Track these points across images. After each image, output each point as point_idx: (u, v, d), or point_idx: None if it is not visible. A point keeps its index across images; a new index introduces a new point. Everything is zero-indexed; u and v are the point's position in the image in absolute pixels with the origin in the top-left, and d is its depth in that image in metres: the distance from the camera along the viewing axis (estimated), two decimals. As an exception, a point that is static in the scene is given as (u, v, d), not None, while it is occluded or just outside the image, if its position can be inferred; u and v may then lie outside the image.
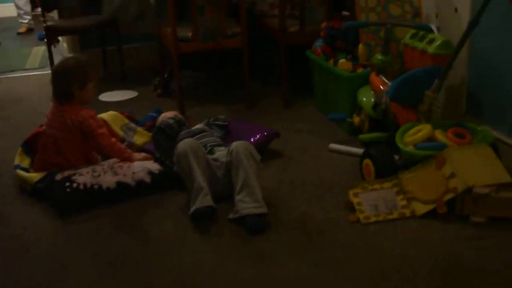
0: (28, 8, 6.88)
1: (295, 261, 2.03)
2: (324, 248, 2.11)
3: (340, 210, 2.34)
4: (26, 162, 2.82)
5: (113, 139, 2.73)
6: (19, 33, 6.96)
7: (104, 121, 2.96)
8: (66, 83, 2.69)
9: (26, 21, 7.01)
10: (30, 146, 2.89)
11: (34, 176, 2.65)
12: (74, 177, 2.52)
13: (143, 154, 2.77)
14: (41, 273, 2.04)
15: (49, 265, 2.09)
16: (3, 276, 2.03)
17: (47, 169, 2.67)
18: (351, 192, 2.35)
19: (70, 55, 2.89)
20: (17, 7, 7.01)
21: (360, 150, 2.69)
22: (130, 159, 2.68)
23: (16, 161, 2.82)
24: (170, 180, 2.59)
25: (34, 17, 6.74)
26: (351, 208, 2.30)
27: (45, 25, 4.29)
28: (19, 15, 7.06)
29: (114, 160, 2.71)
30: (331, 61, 3.19)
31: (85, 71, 2.73)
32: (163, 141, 2.74)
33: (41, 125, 2.91)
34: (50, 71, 4.32)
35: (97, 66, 2.90)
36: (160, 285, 1.94)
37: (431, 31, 2.75)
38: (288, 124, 3.27)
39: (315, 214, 2.33)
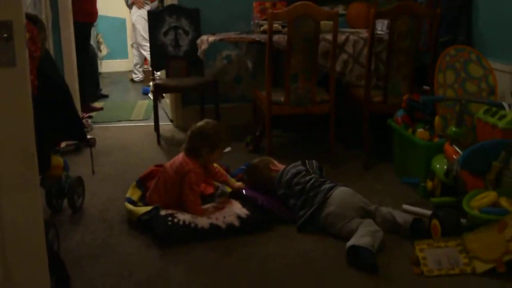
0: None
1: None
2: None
3: (406, 263, 2.56)
4: (136, 196, 3.23)
5: (198, 200, 3.03)
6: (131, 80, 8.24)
7: None
8: (199, 143, 3.08)
9: (136, 75, 8.03)
10: (143, 182, 3.32)
11: (141, 209, 3.03)
12: (176, 214, 2.89)
13: (210, 210, 3.04)
14: (142, 292, 2.38)
15: (149, 288, 2.43)
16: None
17: (152, 203, 3.06)
18: (417, 247, 2.58)
19: (209, 120, 3.26)
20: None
21: (429, 212, 2.91)
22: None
23: (128, 194, 3.23)
24: (257, 224, 2.92)
25: (145, 72, 7.65)
26: (416, 262, 2.53)
27: (153, 82, 4.79)
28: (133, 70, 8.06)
29: (209, 206, 3.07)
30: (410, 130, 3.45)
31: (218, 138, 3.11)
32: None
33: (156, 165, 3.34)
34: (153, 123, 4.82)
35: (228, 136, 3.25)
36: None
37: (502, 107, 2.98)
38: (367, 184, 3.52)
39: (384, 264, 2.56)
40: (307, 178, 3.05)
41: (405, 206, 3.13)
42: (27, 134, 1.75)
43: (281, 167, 3.25)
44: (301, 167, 3.16)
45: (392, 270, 2.52)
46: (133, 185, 3.32)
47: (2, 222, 1.78)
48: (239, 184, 3.31)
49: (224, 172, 3.36)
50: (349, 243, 2.58)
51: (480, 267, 2.44)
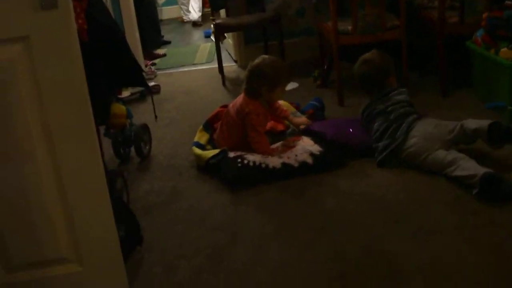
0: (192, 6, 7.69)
1: (448, 236, 2.12)
2: (478, 227, 2.16)
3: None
4: (204, 139, 3.13)
5: (264, 140, 2.90)
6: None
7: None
8: (258, 82, 2.91)
9: (188, 16, 7.91)
10: (210, 124, 3.21)
11: (208, 153, 2.93)
12: (245, 156, 2.77)
13: (280, 149, 2.90)
14: (215, 239, 2.29)
15: (220, 233, 2.33)
16: (185, 242, 2.30)
17: (220, 145, 2.96)
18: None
19: (265, 56, 3.07)
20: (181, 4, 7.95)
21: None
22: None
23: (196, 138, 3.14)
24: (331, 161, 2.77)
25: (203, 16, 7.52)
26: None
27: (214, 23, 4.64)
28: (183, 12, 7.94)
29: (280, 148, 2.92)
30: (493, 51, 3.18)
31: (277, 75, 2.91)
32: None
33: (222, 106, 3.23)
34: (217, 65, 4.71)
35: (288, 72, 3.03)
36: (318, 255, 2.12)
37: None
38: (446, 112, 3.28)
39: (471, 197, 2.37)
40: (398, 106, 2.86)
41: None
42: (77, 80, 1.64)
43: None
44: (403, 96, 2.95)
45: (487, 200, 2.33)
46: (200, 128, 3.22)
47: (61, 173, 1.70)
48: (302, 119, 3.14)
49: (287, 109, 3.21)
50: (482, 172, 2.35)
51: None
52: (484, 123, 2.57)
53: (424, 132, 2.69)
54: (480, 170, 2.37)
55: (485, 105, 3.17)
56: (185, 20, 8.29)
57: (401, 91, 2.97)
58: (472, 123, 2.63)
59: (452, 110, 3.33)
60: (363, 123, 2.99)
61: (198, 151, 3.00)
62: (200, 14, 8.08)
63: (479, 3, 3.56)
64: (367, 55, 3.10)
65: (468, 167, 2.45)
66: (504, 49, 3.08)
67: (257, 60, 2.98)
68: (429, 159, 2.60)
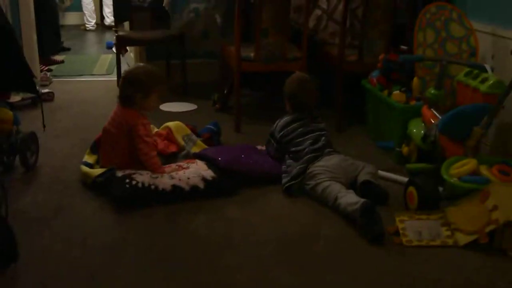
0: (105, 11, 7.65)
1: (332, 272, 2.14)
2: (364, 261, 2.20)
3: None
4: (92, 159, 3.00)
5: (154, 152, 2.83)
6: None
7: (169, 128, 3.14)
8: (131, 89, 2.83)
9: (90, 25, 7.75)
10: (97, 146, 3.06)
11: (96, 171, 2.82)
12: (134, 176, 2.67)
13: (172, 167, 2.87)
14: (96, 261, 2.18)
15: (104, 255, 2.22)
16: (62, 262, 2.17)
17: (106, 166, 2.84)
18: (397, 219, 2.44)
19: (140, 64, 3.02)
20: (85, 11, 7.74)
21: (405, 179, 2.76)
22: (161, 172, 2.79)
23: (84, 158, 3.01)
24: (222, 187, 2.74)
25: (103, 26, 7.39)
26: (395, 232, 2.38)
27: (116, 34, 4.53)
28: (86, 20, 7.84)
29: (173, 166, 2.86)
30: (386, 92, 3.29)
31: (151, 82, 2.85)
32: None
33: None
34: (116, 78, 4.58)
35: (163, 79, 3.00)
36: (204, 283, 2.06)
37: (484, 70, 2.82)
38: (339, 148, 3.34)
39: (358, 232, 2.41)
40: (321, 135, 2.95)
41: (380, 172, 2.97)
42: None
43: None
44: (323, 125, 3.05)
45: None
46: (87, 150, 3.09)
47: None
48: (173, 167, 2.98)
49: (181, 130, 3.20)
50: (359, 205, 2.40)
51: (462, 239, 2.31)
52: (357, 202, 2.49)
53: (332, 163, 2.75)
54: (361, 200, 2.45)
55: (377, 144, 3.27)
56: (87, 28, 8.11)
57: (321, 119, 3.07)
58: (363, 176, 2.73)
59: (344, 146, 3.39)
60: (276, 140, 3.01)
61: (85, 169, 2.88)
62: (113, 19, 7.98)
63: (377, 44, 3.68)
64: (301, 74, 3.17)
65: (352, 197, 2.51)
66: (396, 92, 3.19)
67: (131, 67, 2.96)
68: (324, 185, 2.65)
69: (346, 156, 2.90)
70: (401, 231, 2.37)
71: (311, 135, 2.92)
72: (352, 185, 2.73)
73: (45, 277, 2.07)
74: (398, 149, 3.10)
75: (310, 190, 2.71)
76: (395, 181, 2.90)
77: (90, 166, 2.94)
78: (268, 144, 3.10)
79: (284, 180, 2.80)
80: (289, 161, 2.87)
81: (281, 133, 2.99)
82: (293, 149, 2.90)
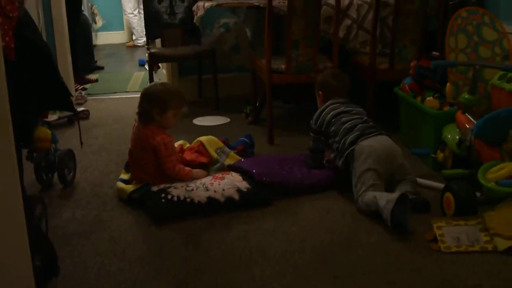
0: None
1: (370, 279, 2.13)
2: (402, 268, 2.19)
3: (420, 239, 2.41)
4: (127, 176, 3.05)
5: (179, 166, 2.87)
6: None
7: (201, 142, 3.16)
8: (148, 105, 2.87)
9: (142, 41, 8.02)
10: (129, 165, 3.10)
11: (130, 187, 2.87)
12: (169, 190, 2.71)
13: (201, 172, 2.95)
14: (135, 273, 2.21)
15: (142, 267, 2.25)
16: (102, 275, 2.21)
17: (140, 182, 2.89)
18: (435, 225, 2.42)
19: (158, 81, 3.08)
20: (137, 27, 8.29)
21: (441, 185, 2.74)
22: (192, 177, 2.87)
23: (120, 175, 3.07)
24: (257, 198, 2.75)
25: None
26: (433, 239, 2.37)
27: (148, 52, 4.60)
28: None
29: (207, 178, 2.89)
30: (419, 98, 3.28)
31: (167, 97, 2.88)
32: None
33: None
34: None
35: (181, 95, 2.99)
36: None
37: (519, 73, 2.80)
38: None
39: (395, 240, 2.41)
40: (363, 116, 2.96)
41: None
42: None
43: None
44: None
45: (410, 245, 2.37)
46: (123, 170, 3.14)
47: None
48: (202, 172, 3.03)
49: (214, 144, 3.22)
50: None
51: (502, 244, 2.27)
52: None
53: (381, 146, 2.75)
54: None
55: (411, 151, 3.25)
56: (137, 45, 8.46)
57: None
58: (405, 186, 2.74)
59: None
60: (317, 131, 3.02)
61: (121, 184, 2.93)
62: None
63: (408, 51, 3.68)
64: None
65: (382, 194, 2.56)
66: (429, 98, 3.17)
67: (149, 85, 3.02)
68: (362, 169, 2.68)
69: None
70: (439, 238, 2.35)
71: (355, 112, 2.95)
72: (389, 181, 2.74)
73: (86, 290, 2.10)
74: (433, 155, 3.07)
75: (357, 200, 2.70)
76: (431, 188, 2.88)
77: (126, 182, 2.98)
78: (312, 143, 3.07)
79: (333, 155, 2.90)
80: (334, 154, 2.92)
81: (318, 121, 3.00)
82: (336, 128, 2.89)
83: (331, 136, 2.91)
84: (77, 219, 2.70)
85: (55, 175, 3.06)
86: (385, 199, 2.47)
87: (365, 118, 2.94)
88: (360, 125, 2.84)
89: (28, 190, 2.59)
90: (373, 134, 2.80)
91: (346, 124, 2.86)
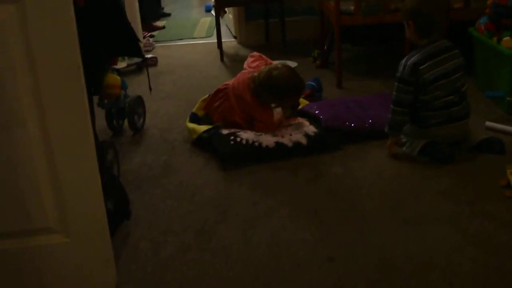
0: None
1: (440, 225, 2.10)
2: (472, 216, 2.15)
3: (493, 185, 2.36)
4: (201, 112, 3.09)
5: (270, 128, 2.85)
6: None
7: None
8: (269, 97, 2.85)
9: None
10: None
11: (202, 127, 2.92)
12: (238, 133, 2.74)
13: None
14: (204, 216, 2.27)
15: (211, 210, 2.31)
16: (172, 218, 2.28)
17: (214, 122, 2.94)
18: (509, 171, 2.35)
19: (286, 65, 2.92)
20: None
21: (516, 129, 2.67)
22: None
23: (194, 109, 3.12)
24: (325, 143, 2.75)
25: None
26: (506, 185, 2.31)
27: (215, -4, 4.57)
28: None
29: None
30: (495, 39, 3.15)
31: (288, 93, 2.82)
32: None
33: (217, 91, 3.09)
34: (216, 40, 4.65)
35: (301, 90, 2.92)
36: (308, 237, 2.10)
37: None
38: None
39: (466, 186, 2.37)
40: (461, 76, 2.62)
41: (488, 123, 2.88)
42: (70, 46, 1.60)
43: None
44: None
45: (481, 191, 2.32)
46: (202, 99, 3.16)
47: (50, 142, 1.67)
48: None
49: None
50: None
51: None
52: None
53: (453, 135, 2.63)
54: None
55: (485, 94, 3.15)
56: None
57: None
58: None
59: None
60: (406, 81, 2.55)
61: (191, 125, 2.98)
62: None
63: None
64: None
65: None
66: (506, 38, 3.04)
67: (274, 72, 2.80)
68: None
69: None
70: (513, 184, 2.29)
71: (455, 77, 2.59)
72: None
73: (156, 233, 2.17)
74: (508, 98, 2.97)
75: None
76: (506, 132, 2.79)
77: (197, 120, 3.04)
78: (396, 94, 2.59)
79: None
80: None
81: (413, 71, 2.52)
82: (430, 97, 2.56)
83: (423, 95, 2.57)
84: (148, 164, 2.78)
85: (126, 121, 3.14)
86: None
87: (463, 90, 2.62)
88: (451, 109, 2.57)
89: (100, 136, 2.68)
90: (457, 120, 2.60)
91: (440, 101, 2.55)
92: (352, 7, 3.53)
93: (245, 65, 3.11)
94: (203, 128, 2.90)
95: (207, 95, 3.13)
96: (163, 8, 6.83)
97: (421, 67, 2.52)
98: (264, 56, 3.14)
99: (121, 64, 4.12)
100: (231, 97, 2.93)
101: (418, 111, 2.60)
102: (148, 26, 5.65)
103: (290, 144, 2.71)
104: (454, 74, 2.57)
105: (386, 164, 2.61)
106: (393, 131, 2.64)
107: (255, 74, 2.87)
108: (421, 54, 2.55)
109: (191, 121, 3.04)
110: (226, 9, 5.28)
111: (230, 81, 3.03)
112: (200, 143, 2.88)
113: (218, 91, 3.04)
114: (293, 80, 2.82)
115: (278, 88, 2.79)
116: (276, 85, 2.79)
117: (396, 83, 2.58)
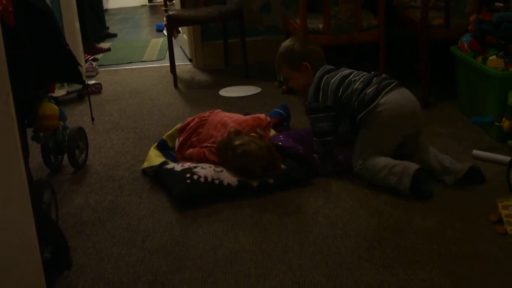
0: None
1: (425, 269, 2.11)
2: (460, 257, 2.16)
3: (482, 221, 2.38)
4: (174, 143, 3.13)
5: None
6: None
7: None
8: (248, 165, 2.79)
9: None
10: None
11: (156, 159, 2.97)
12: (195, 169, 2.73)
13: None
14: (157, 264, 2.23)
15: (164, 257, 2.27)
16: (121, 265, 2.24)
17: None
18: (500, 205, 2.39)
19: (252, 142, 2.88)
20: None
21: (507, 158, 2.71)
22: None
23: (165, 136, 3.19)
24: (294, 179, 2.76)
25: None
26: (498, 220, 2.34)
27: (166, 14, 4.60)
28: None
29: None
30: (480, 58, 3.22)
31: (255, 167, 2.77)
32: None
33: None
34: (168, 63, 4.66)
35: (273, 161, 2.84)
36: (276, 285, 2.08)
37: None
38: (427, 126, 3.30)
39: (453, 223, 2.39)
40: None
41: (476, 152, 2.93)
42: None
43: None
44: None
45: (470, 229, 2.34)
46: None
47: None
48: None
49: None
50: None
51: None
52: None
53: (401, 105, 2.69)
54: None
55: (471, 120, 3.20)
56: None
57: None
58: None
59: (433, 124, 3.36)
60: (322, 109, 2.82)
61: (152, 151, 3.07)
62: None
63: (466, 3, 3.61)
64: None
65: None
66: (492, 58, 3.12)
67: (251, 148, 2.78)
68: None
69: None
70: (505, 219, 2.31)
71: (359, 72, 2.83)
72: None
73: (102, 285, 2.13)
74: (497, 123, 3.03)
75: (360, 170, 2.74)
76: (495, 162, 2.84)
77: (165, 147, 3.11)
78: (315, 125, 2.86)
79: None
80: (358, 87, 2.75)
81: (320, 95, 2.83)
82: (349, 92, 2.74)
83: (345, 103, 2.75)
84: (91, 205, 2.74)
85: (65, 156, 3.11)
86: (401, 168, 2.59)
87: (374, 72, 2.83)
88: (375, 78, 2.74)
89: (35, 174, 2.64)
90: (394, 84, 2.70)
91: (358, 83, 2.74)
92: (320, 25, 3.58)
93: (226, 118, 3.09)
94: (155, 161, 2.93)
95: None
96: (108, 28, 6.85)
97: (322, 84, 2.84)
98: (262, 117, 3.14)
99: (60, 92, 4.11)
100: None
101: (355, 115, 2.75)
102: (90, 48, 5.64)
103: (255, 184, 2.70)
104: (353, 71, 2.85)
105: (363, 200, 2.62)
106: None
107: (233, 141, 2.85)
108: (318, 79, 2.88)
109: (158, 147, 3.10)
110: (179, 28, 5.30)
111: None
112: (154, 178, 2.89)
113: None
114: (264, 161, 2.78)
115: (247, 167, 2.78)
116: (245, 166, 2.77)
117: (311, 117, 2.88)
